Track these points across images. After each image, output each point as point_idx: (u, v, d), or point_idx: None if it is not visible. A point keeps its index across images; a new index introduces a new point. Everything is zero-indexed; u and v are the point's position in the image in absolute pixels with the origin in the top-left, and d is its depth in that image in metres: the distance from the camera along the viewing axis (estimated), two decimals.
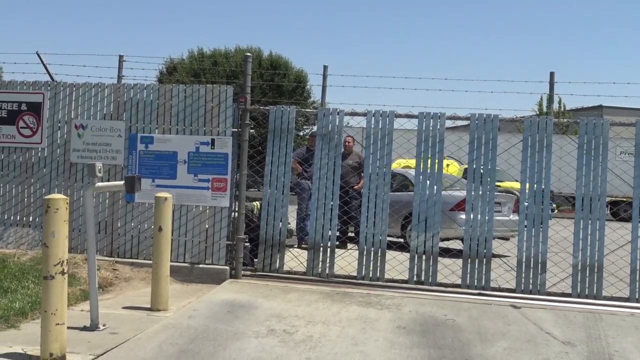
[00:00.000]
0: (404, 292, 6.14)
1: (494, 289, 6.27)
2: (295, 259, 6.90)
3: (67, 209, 4.06)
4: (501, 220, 8.32)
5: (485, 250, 6.33)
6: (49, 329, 3.91)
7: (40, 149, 7.20)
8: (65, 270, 4.01)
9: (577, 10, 73.70)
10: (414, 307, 5.58)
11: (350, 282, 6.45)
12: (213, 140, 6.76)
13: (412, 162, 6.61)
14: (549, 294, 6.18)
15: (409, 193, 7.65)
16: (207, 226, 6.75)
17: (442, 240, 7.16)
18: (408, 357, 4.32)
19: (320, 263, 6.61)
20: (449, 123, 6.76)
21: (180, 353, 4.24)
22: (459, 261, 6.45)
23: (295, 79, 27.75)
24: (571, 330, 5.08)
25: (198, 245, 6.75)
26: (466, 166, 6.83)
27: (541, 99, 30.31)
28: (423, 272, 6.40)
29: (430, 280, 6.38)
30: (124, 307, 5.47)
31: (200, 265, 6.70)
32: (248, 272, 6.73)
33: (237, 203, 6.74)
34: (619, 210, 16.12)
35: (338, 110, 6.76)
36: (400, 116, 6.64)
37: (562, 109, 31.48)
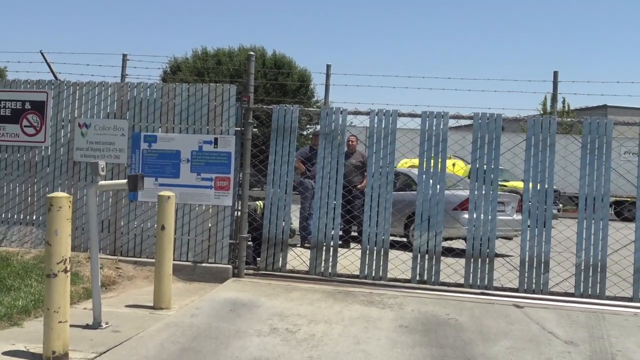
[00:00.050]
0: (407, 292, 6.14)
1: (496, 289, 6.26)
2: (297, 258, 6.91)
3: (70, 207, 4.07)
4: (504, 220, 8.31)
5: (488, 250, 6.32)
6: (52, 327, 3.92)
7: (43, 148, 7.21)
8: (68, 269, 4.02)
9: (581, 10, 73.62)
10: (416, 306, 5.57)
11: (352, 281, 6.46)
12: (216, 139, 6.76)
13: (417, 162, 6.61)
14: (552, 293, 6.18)
15: (412, 192, 7.65)
16: (210, 225, 6.75)
17: (445, 239, 7.14)
18: (410, 356, 4.32)
19: (323, 262, 6.61)
20: (452, 122, 6.76)
21: (183, 351, 4.24)
22: (462, 260, 6.45)
23: (299, 78, 27.69)
24: (574, 329, 5.07)
25: (201, 244, 6.76)
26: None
27: (545, 98, 30.25)
28: (426, 272, 6.40)
29: (432, 280, 6.37)
30: (126, 306, 5.48)
31: (203, 264, 6.70)
32: (251, 271, 6.74)
33: (240, 202, 6.75)
34: (623, 210, 16.04)
35: (341, 109, 6.76)
36: (403, 115, 6.64)
37: (567, 109, 31.44)
